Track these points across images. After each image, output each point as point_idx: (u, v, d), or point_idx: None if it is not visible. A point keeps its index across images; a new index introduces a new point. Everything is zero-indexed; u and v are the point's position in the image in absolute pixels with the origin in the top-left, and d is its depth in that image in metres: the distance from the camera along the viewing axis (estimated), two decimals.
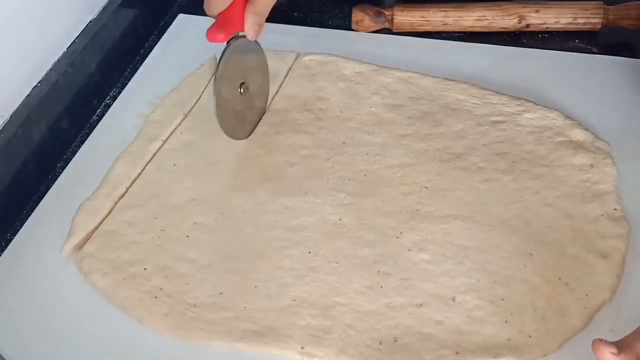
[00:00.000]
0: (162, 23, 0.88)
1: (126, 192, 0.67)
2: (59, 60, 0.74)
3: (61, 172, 0.71)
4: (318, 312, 0.56)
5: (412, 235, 0.60)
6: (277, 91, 0.75)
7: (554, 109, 0.69)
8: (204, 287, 0.59)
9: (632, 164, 0.64)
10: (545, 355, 0.53)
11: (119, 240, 0.63)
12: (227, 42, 0.63)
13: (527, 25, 0.79)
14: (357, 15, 0.82)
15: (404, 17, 0.80)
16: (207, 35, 0.61)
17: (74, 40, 0.77)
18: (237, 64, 0.66)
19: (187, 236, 0.62)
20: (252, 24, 0.63)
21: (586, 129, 0.67)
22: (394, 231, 0.61)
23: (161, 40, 0.85)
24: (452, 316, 0.55)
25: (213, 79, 0.65)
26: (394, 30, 0.82)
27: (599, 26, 0.78)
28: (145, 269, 0.60)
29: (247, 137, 0.70)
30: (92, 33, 0.77)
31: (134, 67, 0.82)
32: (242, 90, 0.67)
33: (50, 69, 0.73)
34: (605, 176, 0.63)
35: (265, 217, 0.63)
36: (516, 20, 0.79)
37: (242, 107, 0.69)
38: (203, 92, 0.76)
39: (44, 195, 0.68)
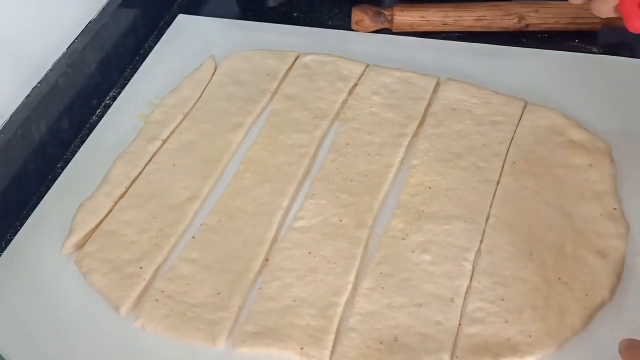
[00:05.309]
0: (162, 23, 0.88)
1: (126, 192, 0.67)
2: (59, 60, 0.74)
3: (61, 172, 0.71)
4: (317, 312, 0.56)
5: (417, 237, 0.60)
6: (277, 91, 0.75)
7: (554, 109, 0.69)
8: (204, 287, 0.59)
9: (631, 163, 0.64)
10: (545, 355, 0.53)
11: (119, 240, 0.63)
12: None
13: (527, 25, 0.79)
14: (357, 15, 0.82)
15: (404, 17, 0.80)
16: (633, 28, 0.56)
17: (74, 40, 0.77)
18: None
19: (193, 237, 0.63)
20: None
21: (586, 129, 0.67)
22: (401, 233, 0.61)
23: (161, 40, 0.85)
24: (452, 316, 0.55)
25: None
26: (393, 30, 0.82)
27: (599, 26, 0.78)
28: (143, 268, 0.60)
29: None
30: (92, 33, 0.77)
31: (134, 67, 0.82)
32: None
33: (50, 69, 0.73)
34: (604, 176, 0.63)
35: (266, 219, 0.63)
36: (516, 20, 0.79)
37: None
38: (203, 92, 0.76)
39: (44, 195, 0.68)
